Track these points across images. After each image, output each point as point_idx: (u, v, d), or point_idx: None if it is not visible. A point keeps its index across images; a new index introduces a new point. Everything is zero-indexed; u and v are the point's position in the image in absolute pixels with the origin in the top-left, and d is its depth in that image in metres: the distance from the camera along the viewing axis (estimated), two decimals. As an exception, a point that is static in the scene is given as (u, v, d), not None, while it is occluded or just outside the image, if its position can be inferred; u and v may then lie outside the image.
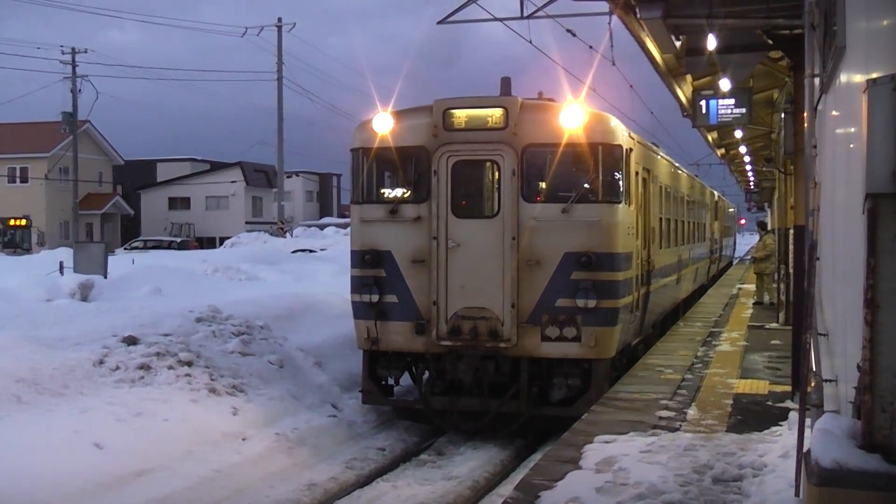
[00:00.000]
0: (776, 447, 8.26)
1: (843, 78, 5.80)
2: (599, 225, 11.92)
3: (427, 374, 12.83)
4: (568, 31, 14.84)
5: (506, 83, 12.82)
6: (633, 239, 13.06)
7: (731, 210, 51.65)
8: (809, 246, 6.87)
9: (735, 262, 51.85)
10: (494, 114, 12.26)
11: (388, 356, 12.83)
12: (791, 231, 14.18)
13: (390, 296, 12.45)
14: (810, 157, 7.63)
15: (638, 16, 11.36)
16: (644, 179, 14.42)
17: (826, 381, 6.15)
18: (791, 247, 13.97)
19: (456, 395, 12.50)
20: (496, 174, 12.28)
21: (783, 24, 11.27)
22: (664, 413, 10.37)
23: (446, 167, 12.32)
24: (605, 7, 12.37)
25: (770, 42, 12.22)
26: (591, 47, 16.12)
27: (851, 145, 5.14)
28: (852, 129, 5.09)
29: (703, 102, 15.30)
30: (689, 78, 17.10)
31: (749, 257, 27.39)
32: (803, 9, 7.69)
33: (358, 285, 12.68)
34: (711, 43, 11.81)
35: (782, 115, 14.81)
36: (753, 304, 24.69)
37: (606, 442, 8.82)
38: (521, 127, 12.12)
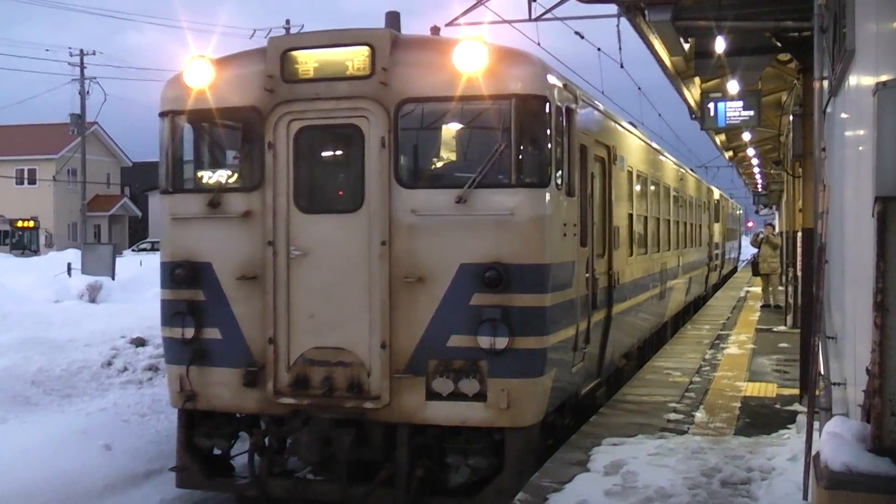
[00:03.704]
0: (784, 450, 8.26)
1: (852, 81, 5.80)
2: (513, 221, 7.96)
3: (266, 443, 8.87)
4: (576, 33, 14.85)
5: (393, 18, 9.12)
6: (575, 242, 9.06)
7: (739, 212, 51.19)
8: (818, 249, 6.87)
9: (741, 266, 50.97)
10: (356, 56, 8.31)
11: (210, 418, 8.92)
12: (799, 234, 14.14)
13: (211, 329, 8.64)
14: (819, 160, 7.63)
15: (647, 18, 11.36)
16: (602, 159, 10.72)
17: (835, 384, 6.15)
18: (800, 250, 13.93)
19: (304, 477, 8.79)
20: (359, 146, 8.38)
21: (792, 27, 11.27)
22: (672, 416, 10.36)
23: (286, 137, 8.49)
24: (614, 9, 12.37)
25: (779, 45, 12.22)
26: (599, 49, 16.16)
27: (860, 148, 5.13)
28: (861, 132, 5.09)
29: (711, 105, 15.32)
30: (697, 80, 17.09)
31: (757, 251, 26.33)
32: (812, 11, 7.68)
33: (167, 314, 8.83)
34: (720, 45, 11.79)
35: (791, 118, 14.80)
36: (761, 307, 24.69)
37: (615, 444, 8.81)
38: (394, 74, 8.20)
